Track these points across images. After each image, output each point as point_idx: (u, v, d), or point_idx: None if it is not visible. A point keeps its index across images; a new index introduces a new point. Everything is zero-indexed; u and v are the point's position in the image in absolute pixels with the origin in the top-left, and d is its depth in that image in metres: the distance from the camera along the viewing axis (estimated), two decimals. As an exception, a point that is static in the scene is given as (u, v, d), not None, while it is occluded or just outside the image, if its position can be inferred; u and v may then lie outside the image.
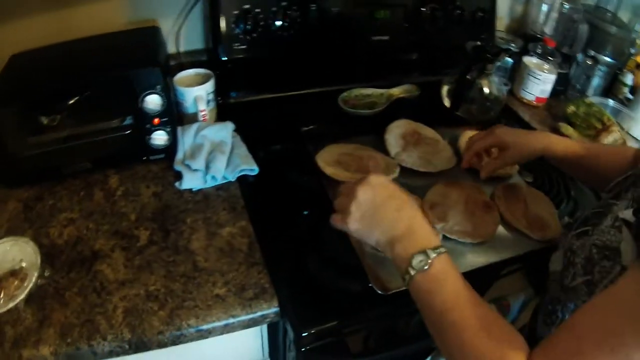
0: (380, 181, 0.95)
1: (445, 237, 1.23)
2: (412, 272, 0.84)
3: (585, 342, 0.68)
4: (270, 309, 1.07)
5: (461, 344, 0.78)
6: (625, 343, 0.65)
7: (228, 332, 1.06)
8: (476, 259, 1.22)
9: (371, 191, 0.93)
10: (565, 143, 1.25)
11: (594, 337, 0.68)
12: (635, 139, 1.79)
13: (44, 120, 1.22)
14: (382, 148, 1.47)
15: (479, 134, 1.40)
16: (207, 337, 1.05)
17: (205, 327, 1.03)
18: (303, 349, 1.06)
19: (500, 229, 1.30)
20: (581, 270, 0.87)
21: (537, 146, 1.26)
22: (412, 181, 1.37)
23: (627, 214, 0.81)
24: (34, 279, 1.03)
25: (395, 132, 1.52)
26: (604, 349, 0.66)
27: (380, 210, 0.92)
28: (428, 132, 1.56)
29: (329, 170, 1.33)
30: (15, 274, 1.03)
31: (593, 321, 0.70)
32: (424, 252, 0.85)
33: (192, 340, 1.04)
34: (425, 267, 0.83)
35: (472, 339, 0.77)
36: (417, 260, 0.84)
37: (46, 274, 1.07)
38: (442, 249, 0.86)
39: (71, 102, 1.21)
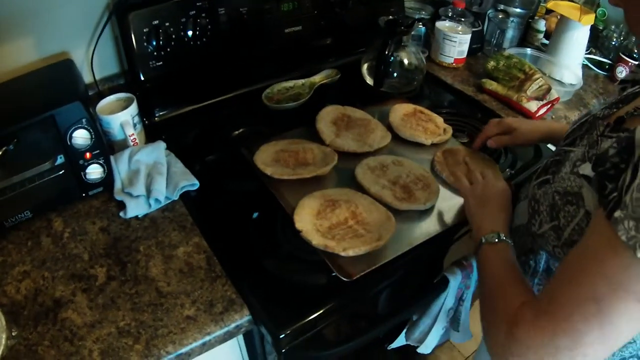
0: (495, 180, 1.24)
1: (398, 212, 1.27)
2: (483, 241, 1.04)
3: (564, 300, 0.75)
4: (243, 318, 1.08)
5: (488, 287, 0.96)
6: (597, 295, 0.71)
7: (207, 350, 1.07)
8: (430, 227, 1.27)
9: (490, 185, 1.22)
10: (561, 124, 1.40)
11: (571, 297, 0.74)
12: (559, 81, 1.86)
13: (-26, 178, 1.19)
14: (316, 137, 1.49)
15: (492, 121, 1.46)
16: (187, 360, 1.06)
17: (183, 350, 1.03)
18: (283, 350, 1.07)
19: (448, 194, 1.35)
20: (547, 217, 0.94)
21: (541, 129, 1.39)
22: (353, 164, 1.40)
23: (587, 169, 0.85)
24: (2, 342, 1.00)
25: (326, 120, 1.54)
26: (580, 305, 0.73)
27: (487, 203, 1.17)
28: (357, 113, 1.59)
29: (269, 170, 1.34)
30: (-17, 341, 1.00)
31: (568, 283, 0.75)
32: (497, 233, 1.04)
33: (172, 366, 1.04)
34: (495, 240, 1.03)
35: (497, 283, 0.94)
36: (489, 236, 1.04)
37: (14, 333, 1.04)
38: (508, 239, 1.04)
39: (-1, 153, 1.17)
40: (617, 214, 0.70)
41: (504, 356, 0.81)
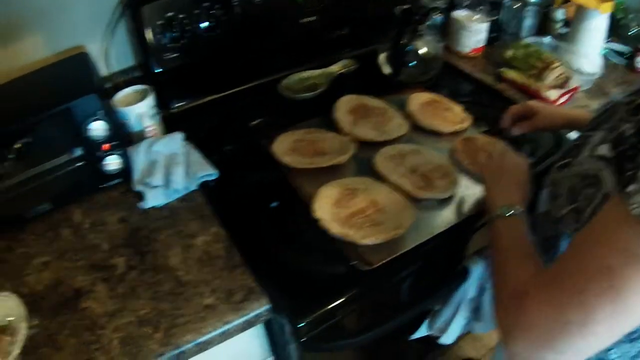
0: (510, 153, 1.23)
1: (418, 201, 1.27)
2: (496, 215, 1.04)
3: (573, 273, 0.73)
4: (262, 307, 1.08)
5: (499, 260, 0.96)
6: (610, 266, 0.69)
7: (226, 339, 1.07)
8: (450, 216, 1.26)
9: (503, 158, 1.21)
10: (584, 112, 1.39)
11: (581, 269, 0.72)
12: (578, 70, 1.83)
13: (-6, 170, 1.19)
14: (333, 127, 1.49)
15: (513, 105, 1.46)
16: (207, 349, 1.06)
17: (203, 339, 1.03)
18: (302, 340, 1.07)
19: (468, 183, 1.34)
20: (567, 201, 0.92)
21: (563, 114, 1.40)
22: (371, 153, 1.39)
23: (604, 150, 0.84)
24: (24, 331, 1.01)
25: (343, 109, 1.53)
26: (591, 278, 0.71)
27: (501, 177, 1.15)
28: (374, 102, 1.58)
29: (286, 159, 1.34)
30: (4, 330, 1.01)
31: (580, 255, 0.74)
32: (509, 206, 1.04)
33: (193, 355, 1.04)
34: (507, 214, 1.03)
35: (509, 256, 0.93)
36: (502, 209, 1.04)
37: (34, 322, 1.05)
38: (521, 212, 1.04)
39: (17, 146, 1.18)
40: (630, 187, 0.69)
41: (512, 332, 0.79)
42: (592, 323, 0.71)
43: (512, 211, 1.02)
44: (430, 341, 1.54)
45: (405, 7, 1.68)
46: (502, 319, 0.83)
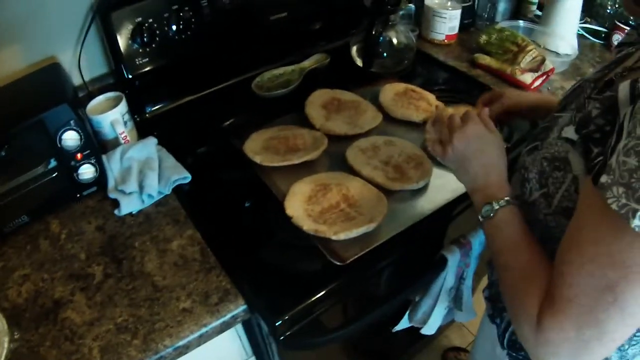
0: (475, 132, 1.06)
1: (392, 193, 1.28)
2: (481, 219, 0.98)
3: (574, 282, 0.73)
4: (238, 308, 1.08)
5: (504, 282, 0.90)
6: (610, 283, 0.69)
7: (204, 341, 1.08)
8: (424, 206, 1.26)
9: (465, 141, 1.05)
10: (553, 97, 1.40)
11: (584, 291, 0.72)
12: (554, 52, 1.84)
13: (-31, 185, 1.20)
14: (306, 123, 1.49)
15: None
16: (186, 353, 1.06)
17: (181, 343, 1.04)
18: (281, 338, 1.08)
19: (442, 171, 1.33)
20: (536, 185, 0.92)
21: (531, 96, 1.38)
22: (344, 147, 1.40)
23: (570, 132, 0.84)
24: (5, 345, 1.02)
25: (315, 104, 1.54)
26: (589, 279, 0.71)
27: (468, 162, 1.05)
28: (347, 96, 1.59)
29: (258, 158, 1.34)
30: (-14, 346, 1.02)
31: (578, 271, 0.73)
32: (490, 203, 0.96)
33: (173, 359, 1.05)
34: (491, 215, 0.95)
35: (510, 279, 0.88)
36: (485, 210, 0.97)
37: (16, 336, 1.06)
38: (505, 202, 0.95)
39: (-8, 160, 1.19)
40: (604, 179, 0.68)
41: (540, 357, 0.80)
42: (608, 333, 0.72)
43: (497, 207, 0.95)
44: (414, 332, 1.55)
45: (375, -3, 1.68)
46: (525, 342, 0.83)
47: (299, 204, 1.21)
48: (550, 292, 0.78)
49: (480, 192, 1.01)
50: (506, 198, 0.96)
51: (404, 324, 1.50)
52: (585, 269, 0.71)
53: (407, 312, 1.48)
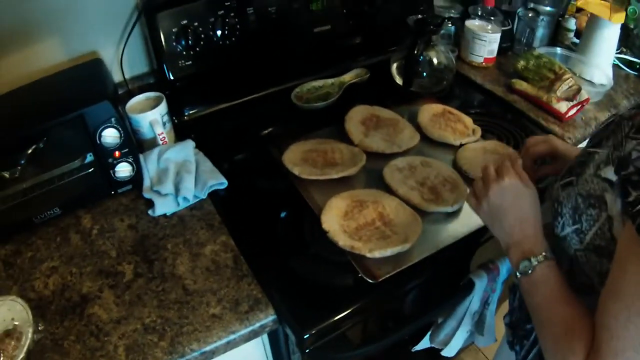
0: (512, 185, 1.00)
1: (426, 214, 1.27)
2: (518, 275, 0.94)
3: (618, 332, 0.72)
4: (268, 318, 1.08)
5: (544, 337, 0.88)
6: None
7: (231, 348, 1.07)
8: (457, 229, 1.25)
9: (501, 195, 1.00)
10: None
11: (625, 326, 0.71)
12: (589, 81, 1.83)
13: (6, 174, 1.20)
14: (345, 137, 1.49)
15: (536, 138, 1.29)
16: (212, 358, 1.06)
17: (208, 348, 1.04)
18: (307, 350, 1.07)
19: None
20: (569, 220, 0.90)
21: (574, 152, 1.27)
22: (381, 164, 1.39)
23: (609, 173, 0.82)
24: (29, 336, 1.01)
25: (355, 120, 1.53)
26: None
27: (503, 217, 1.00)
28: (386, 113, 1.58)
29: (297, 170, 1.34)
30: (10, 334, 1.01)
31: (616, 311, 0.73)
32: (528, 259, 0.93)
33: (197, 363, 1.05)
34: (529, 272, 0.92)
35: (551, 335, 0.86)
36: (522, 266, 0.94)
37: (40, 327, 1.06)
38: (543, 257, 0.92)
39: (29, 151, 1.19)
40: None
41: None
42: None
43: (535, 263, 0.92)
44: (433, 353, 1.53)
45: (418, 17, 1.68)
46: None
47: (335, 219, 1.20)
48: (595, 346, 0.76)
49: (516, 248, 0.97)
50: (544, 253, 0.93)
51: (424, 344, 1.49)
52: (632, 321, 0.70)
53: (429, 333, 1.47)
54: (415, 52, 1.59)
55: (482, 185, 1.05)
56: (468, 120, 1.59)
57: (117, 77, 1.57)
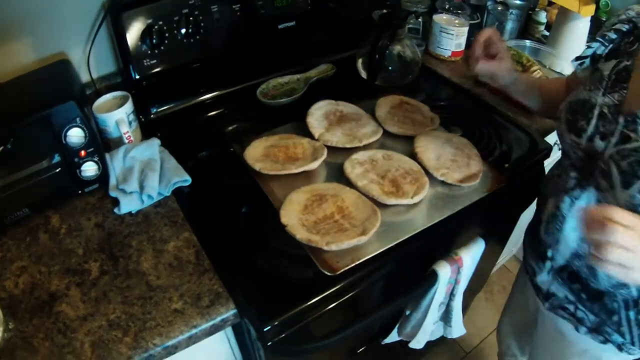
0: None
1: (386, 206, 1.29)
2: None
3: None
4: (229, 312, 1.11)
5: None
6: None
7: (193, 342, 1.10)
8: (418, 222, 1.28)
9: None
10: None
11: None
12: (560, 73, 1.85)
13: (-26, 177, 1.22)
14: (307, 132, 1.51)
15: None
16: (175, 353, 1.09)
17: (170, 343, 1.06)
18: (269, 344, 1.10)
19: (438, 188, 1.37)
20: None
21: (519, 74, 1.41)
22: (343, 159, 1.42)
23: None
24: (0, 335, 1.04)
25: (317, 114, 1.56)
26: None
27: None
28: (349, 108, 1.61)
29: (258, 165, 1.36)
30: (-19, 334, 1.04)
31: None
32: None
33: (162, 358, 1.08)
34: None
35: None
36: None
37: (10, 326, 1.08)
38: None
39: (-4, 153, 1.21)
40: None
41: None
42: None
43: None
44: (405, 346, 1.56)
45: (384, 11, 1.70)
46: None
47: (294, 213, 1.23)
48: None
49: None
50: None
51: (393, 337, 1.52)
52: None
53: (397, 326, 1.49)
54: (379, 45, 1.61)
55: (631, 233, 0.81)
56: (425, 108, 1.62)
57: (85, 77, 1.58)
